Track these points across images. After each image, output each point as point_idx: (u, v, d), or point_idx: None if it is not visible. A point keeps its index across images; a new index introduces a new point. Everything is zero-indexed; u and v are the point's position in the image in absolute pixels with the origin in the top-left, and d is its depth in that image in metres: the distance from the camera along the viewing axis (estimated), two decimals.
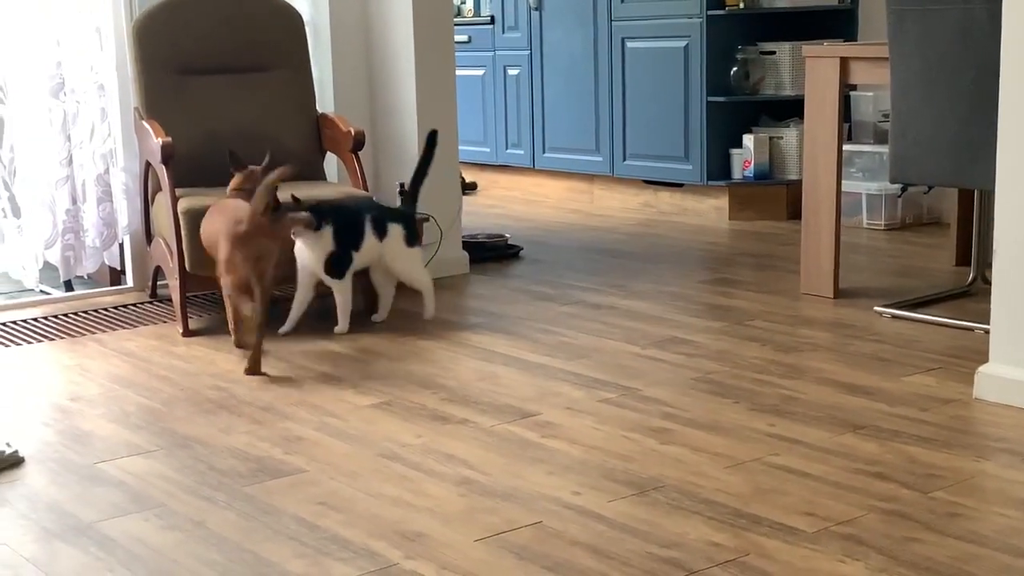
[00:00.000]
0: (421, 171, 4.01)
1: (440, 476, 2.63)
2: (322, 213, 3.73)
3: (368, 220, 3.83)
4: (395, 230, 3.86)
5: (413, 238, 3.91)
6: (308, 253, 3.76)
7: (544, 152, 6.62)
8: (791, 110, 5.75)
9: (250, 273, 3.41)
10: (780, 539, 2.26)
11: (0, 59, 4.28)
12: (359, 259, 3.83)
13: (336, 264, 3.78)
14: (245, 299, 3.44)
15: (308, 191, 4.01)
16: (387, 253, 3.86)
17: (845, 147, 4.73)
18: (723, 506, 2.42)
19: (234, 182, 3.77)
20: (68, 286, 4.53)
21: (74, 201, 4.42)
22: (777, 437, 2.82)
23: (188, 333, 3.88)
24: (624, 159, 6.20)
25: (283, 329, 3.82)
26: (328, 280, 3.80)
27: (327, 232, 3.74)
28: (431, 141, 4.02)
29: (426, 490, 2.55)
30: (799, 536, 2.27)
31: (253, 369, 3.41)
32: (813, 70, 4.13)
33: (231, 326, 3.65)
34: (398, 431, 2.93)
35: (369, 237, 3.82)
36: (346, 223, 3.79)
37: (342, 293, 3.82)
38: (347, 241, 3.79)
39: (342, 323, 3.83)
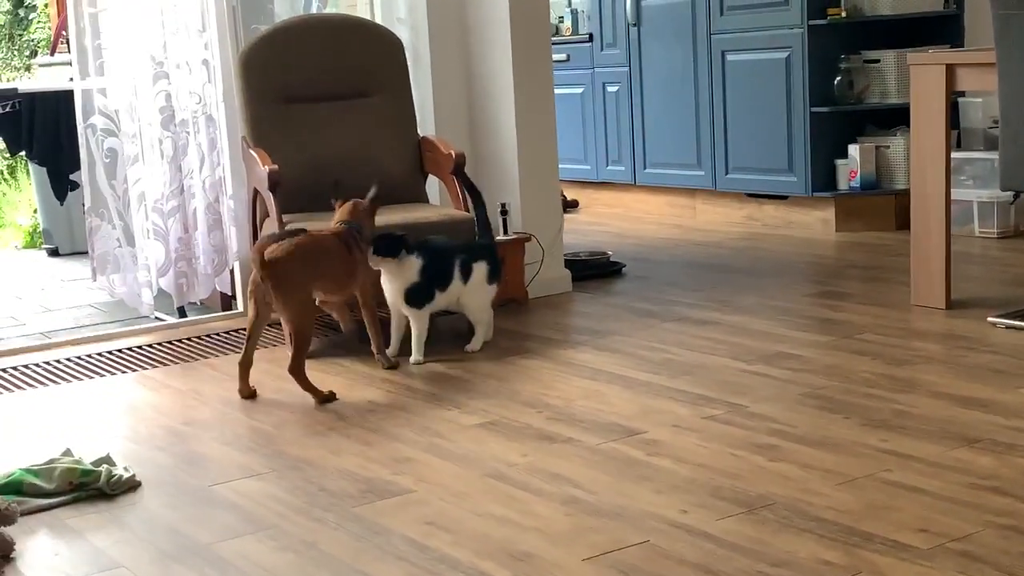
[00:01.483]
0: (477, 202, 3.99)
1: (547, 495, 2.63)
2: (408, 243, 3.73)
3: (459, 263, 3.81)
4: (479, 269, 3.84)
5: (495, 276, 3.89)
6: (389, 281, 3.77)
7: (645, 168, 6.60)
8: (897, 118, 5.65)
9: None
10: (893, 556, 2.22)
11: (113, 93, 4.42)
12: (443, 299, 3.82)
13: (416, 295, 3.77)
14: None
15: (409, 214, 4.06)
16: (467, 291, 3.85)
17: (954, 155, 4.64)
18: (834, 523, 2.38)
19: (338, 215, 3.76)
20: (181, 312, 4.64)
21: (186, 229, 4.54)
22: (889, 452, 2.77)
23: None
24: (726, 173, 6.15)
25: (389, 351, 3.86)
26: (406, 310, 3.80)
27: (411, 262, 3.74)
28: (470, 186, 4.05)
29: (533, 509, 2.56)
30: (913, 553, 2.22)
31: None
32: (918, 78, 4.06)
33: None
34: (504, 451, 2.94)
35: (456, 280, 3.81)
36: (437, 260, 3.78)
37: (418, 324, 3.80)
38: (433, 278, 3.77)
39: (415, 354, 3.81)
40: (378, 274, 3.73)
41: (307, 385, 3.44)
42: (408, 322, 3.82)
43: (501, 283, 3.95)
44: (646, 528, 2.42)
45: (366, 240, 3.67)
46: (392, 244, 3.69)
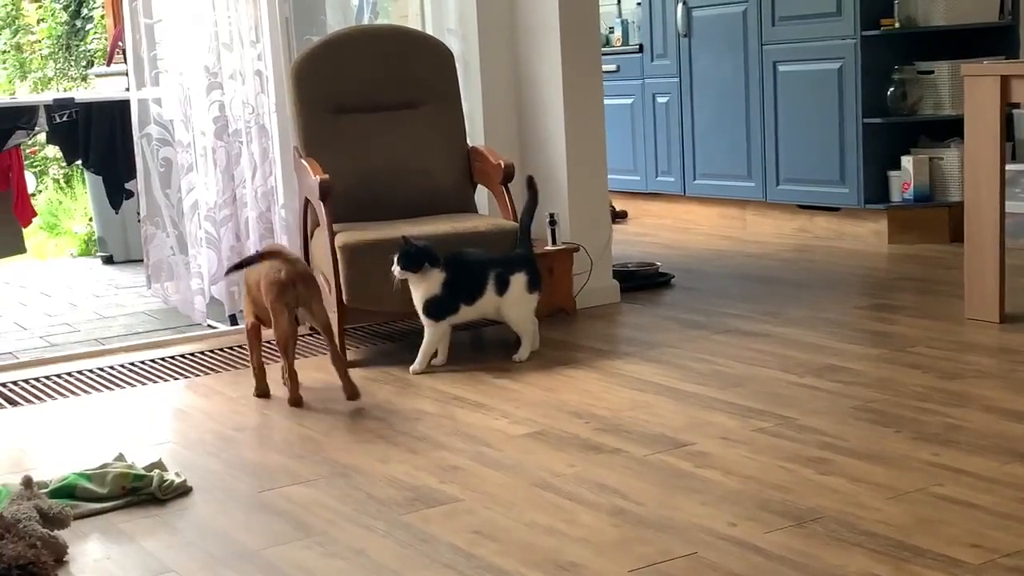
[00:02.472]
0: (529, 212, 3.97)
1: (593, 506, 2.63)
2: (432, 255, 3.75)
3: (492, 276, 3.81)
4: (518, 280, 3.84)
5: (535, 284, 3.88)
6: (413, 292, 3.79)
7: (695, 179, 6.58)
8: (951, 130, 5.60)
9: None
10: (944, 571, 2.19)
11: (168, 103, 4.47)
12: (471, 312, 3.83)
13: (434, 307, 3.79)
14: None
15: (458, 224, 4.08)
16: (505, 302, 3.84)
17: (1009, 167, 4.58)
18: (884, 537, 2.36)
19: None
20: (233, 320, 4.68)
21: (238, 238, 4.58)
22: (941, 467, 2.74)
23: (347, 364, 3.97)
24: (777, 184, 6.12)
25: (436, 362, 3.87)
26: (422, 319, 3.82)
27: (434, 275, 3.75)
28: (532, 187, 4.01)
29: (580, 520, 2.55)
30: (964, 568, 2.20)
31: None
32: (972, 89, 4.02)
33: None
34: (551, 461, 2.94)
35: (489, 293, 3.82)
36: (463, 273, 3.80)
37: (430, 335, 3.82)
38: (457, 291, 3.79)
39: (416, 364, 3.83)
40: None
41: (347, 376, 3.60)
42: (448, 332, 3.86)
43: (543, 292, 3.95)
44: (694, 540, 2.41)
45: None
46: (414, 257, 3.72)
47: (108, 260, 6.73)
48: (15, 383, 4.00)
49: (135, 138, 4.49)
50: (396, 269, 3.73)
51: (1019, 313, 4.12)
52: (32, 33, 10.61)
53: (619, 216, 6.93)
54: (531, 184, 3.98)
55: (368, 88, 4.42)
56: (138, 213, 4.71)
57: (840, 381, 3.47)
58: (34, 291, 5.96)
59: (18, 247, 6.04)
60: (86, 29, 10.26)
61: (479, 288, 3.81)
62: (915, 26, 5.65)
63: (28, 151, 8.89)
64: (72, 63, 10.34)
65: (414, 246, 3.74)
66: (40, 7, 10.55)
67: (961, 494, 2.56)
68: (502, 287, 3.83)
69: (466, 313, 3.84)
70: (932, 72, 5.64)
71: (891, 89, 5.65)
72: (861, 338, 4.00)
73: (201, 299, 4.56)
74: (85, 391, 3.87)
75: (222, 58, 4.48)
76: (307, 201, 4.29)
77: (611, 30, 7.03)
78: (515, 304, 3.86)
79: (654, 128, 6.77)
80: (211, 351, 4.32)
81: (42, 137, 6.52)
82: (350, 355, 4.08)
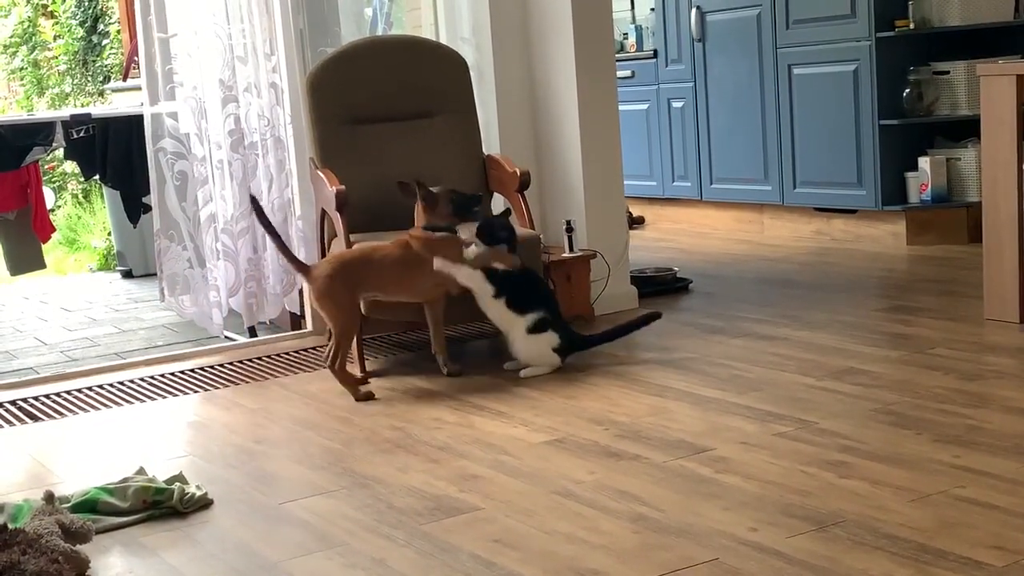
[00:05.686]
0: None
1: (614, 513, 2.62)
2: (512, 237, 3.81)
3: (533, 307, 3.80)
4: (549, 336, 3.81)
5: (560, 351, 3.83)
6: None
7: (711, 183, 6.57)
8: (968, 130, 5.57)
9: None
10: (967, 574, 2.18)
11: (183, 116, 4.49)
12: (495, 310, 3.81)
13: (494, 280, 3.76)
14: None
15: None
16: (516, 334, 3.82)
17: None
18: (906, 541, 2.35)
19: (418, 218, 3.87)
20: (252, 332, 4.70)
21: (255, 250, 4.59)
22: (963, 469, 2.72)
23: (365, 374, 3.98)
24: (794, 187, 6.10)
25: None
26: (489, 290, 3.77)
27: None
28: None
29: (600, 527, 2.55)
30: (987, 571, 2.19)
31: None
32: (989, 89, 4.01)
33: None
34: (571, 468, 2.94)
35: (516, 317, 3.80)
36: (519, 285, 3.81)
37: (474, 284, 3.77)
38: (513, 293, 3.79)
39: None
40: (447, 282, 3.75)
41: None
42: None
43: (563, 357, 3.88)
44: (715, 546, 2.40)
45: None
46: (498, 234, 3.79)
47: (127, 274, 6.76)
48: (36, 398, 4.01)
49: (149, 152, 4.51)
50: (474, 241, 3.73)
51: None
52: (49, 49, 10.67)
53: (636, 222, 6.93)
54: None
55: (383, 98, 4.43)
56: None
57: (860, 384, 3.46)
58: (54, 306, 5.99)
59: (38, 262, 6.07)
60: (102, 44, 10.32)
61: (524, 303, 3.80)
62: (930, 27, 5.64)
63: (46, 167, 8.95)
64: (89, 79, 10.40)
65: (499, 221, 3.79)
66: (56, 23, 10.62)
67: (983, 496, 2.55)
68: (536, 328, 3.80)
69: (495, 311, 3.82)
70: (948, 72, 5.62)
71: (907, 90, 5.64)
72: (880, 340, 3.99)
73: (218, 312, 4.57)
74: (105, 405, 3.89)
75: (237, 71, 4.50)
76: (324, 212, 4.30)
77: (625, 36, 7.03)
78: (533, 346, 3.83)
79: (670, 133, 6.76)
80: (230, 363, 4.33)
81: (60, 153, 6.56)
82: (368, 365, 4.08)
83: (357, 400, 3.66)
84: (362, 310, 3.83)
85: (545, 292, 3.92)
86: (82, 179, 7.86)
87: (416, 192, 3.86)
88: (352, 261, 3.75)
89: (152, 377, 4.21)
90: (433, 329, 3.89)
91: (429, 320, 3.89)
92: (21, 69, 10.69)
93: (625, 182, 4.89)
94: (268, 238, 4.07)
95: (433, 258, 3.70)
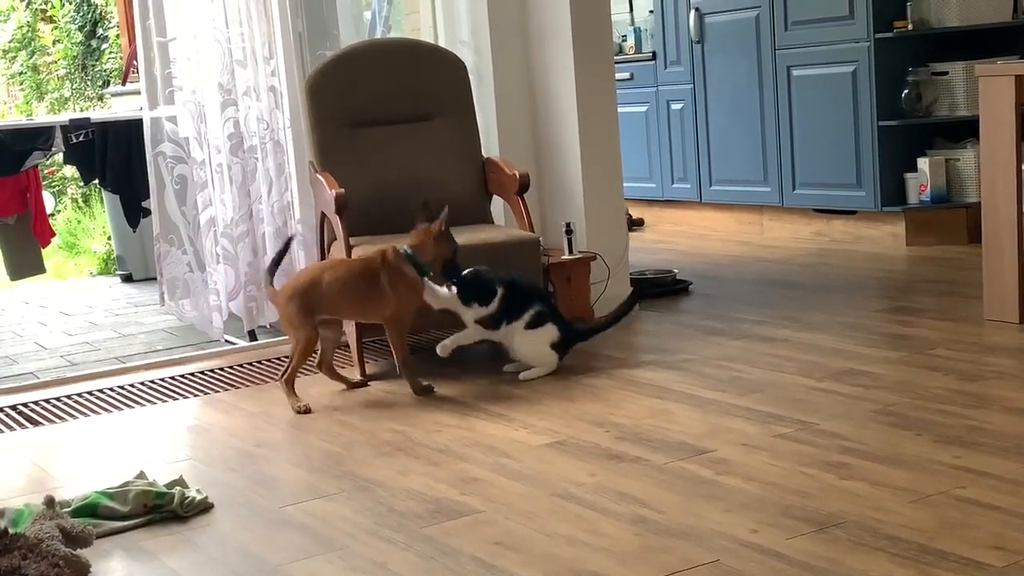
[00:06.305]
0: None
1: (615, 515, 2.62)
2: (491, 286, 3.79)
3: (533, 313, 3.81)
4: (549, 330, 3.83)
5: (559, 346, 3.85)
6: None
7: (711, 185, 6.57)
8: (967, 131, 5.58)
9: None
10: (967, 574, 2.18)
11: (182, 120, 4.50)
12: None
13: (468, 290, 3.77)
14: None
15: (474, 235, 4.08)
16: (515, 335, 3.83)
17: None
18: (907, 542, 2.35)
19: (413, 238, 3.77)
20: (252, 336, 4.69)
21: (255, 254, 4.60)
22: (963, 469, 2.72)
23: (364, 377, 3.98)
24: (794, 188, 6.10)
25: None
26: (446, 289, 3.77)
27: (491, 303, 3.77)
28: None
29: (601, 529, 2.55)
30: (988, 571, 2.19)
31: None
32: (987, 89, 4.01)
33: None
34: (572, 470, 2.94)
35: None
36: (515, 297, 3.80)
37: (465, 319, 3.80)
38: (507, 308, 3.79)
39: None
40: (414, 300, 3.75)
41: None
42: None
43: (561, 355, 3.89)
44: (716, 548, 2.40)
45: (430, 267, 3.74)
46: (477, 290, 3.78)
47: (127, 278, 6.76)
48: (36, 403, 4.01)
49: (148, 156, 4.51)
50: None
51: None
52: (48, 54, 10.68)
53: (636, 224, 6.93)
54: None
55: (382, 101, 4.44)
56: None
57: (860, 385, 3.46)
58: (54, 311, 5.99)
59: (38, 267, 6.08)
60: (101, 49, 10.32)
61: (517, 312, 3.81)
62: (928, 27, 5.64)
63: (46, 171, 8.95)
64: (88, 83, 10.41)
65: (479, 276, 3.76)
66: (56, 28, 10.63)
67: (984, 496, 2.55)
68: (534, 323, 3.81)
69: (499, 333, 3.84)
70: (946, 73, 5.62)
71: (906, 91, 5.64)
72: (880, 341, 3.99)
73: (218, 316, 4.58)
74: (106, 410, 3.89)
75: (236, 75, 4.50)
76: (323, 215, 4.30)
77: (624, 38, 7.03)
78: (531, 343, 3.84)
79: (669, 135, 6.76)
80: (231, 367, 4.33)
81: (59, 157, 6.56)
82: (368, 368, 4.08)
83: (296, 413, 3.63)
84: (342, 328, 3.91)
85: (539, 289, 3.92)
86: (82, 183, 7.87)
87: (431, 218, 3.73)
88: (302, 286, 3.74)
89: (152, 381, 4.21)
90: (394, 349, 3.80)
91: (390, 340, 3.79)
92: (20, 74, 10.70)
93: (624, 184, 4.90)
94: (268, 255, 4.10)
95: (387, 279, 3.69)
